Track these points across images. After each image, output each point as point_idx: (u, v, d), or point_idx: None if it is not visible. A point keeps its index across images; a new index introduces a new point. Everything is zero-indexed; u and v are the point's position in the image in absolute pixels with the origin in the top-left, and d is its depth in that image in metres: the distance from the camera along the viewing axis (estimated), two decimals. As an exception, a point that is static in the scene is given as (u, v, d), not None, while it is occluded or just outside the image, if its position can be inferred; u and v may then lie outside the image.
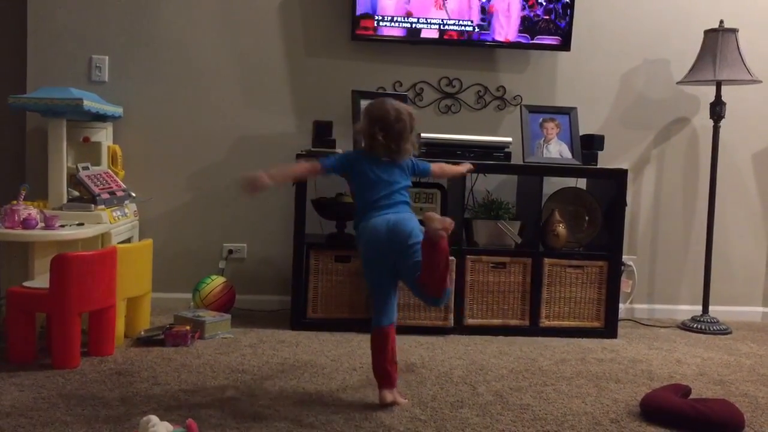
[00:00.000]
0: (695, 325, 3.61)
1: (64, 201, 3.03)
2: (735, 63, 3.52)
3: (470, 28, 3.53)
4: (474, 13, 3.54)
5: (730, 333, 3.58)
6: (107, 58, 3.52)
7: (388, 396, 2.30)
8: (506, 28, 3.55)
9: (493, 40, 3.58)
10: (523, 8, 3.56)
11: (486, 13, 3.53)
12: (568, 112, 3.54)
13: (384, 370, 2.32)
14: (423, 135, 3.36)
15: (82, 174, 3.08)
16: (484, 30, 3.56)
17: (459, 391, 2.48)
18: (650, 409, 2.29)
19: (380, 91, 3.61)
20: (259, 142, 3.62)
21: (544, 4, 3.56)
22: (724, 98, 3.61)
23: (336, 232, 3.42)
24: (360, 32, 3.50)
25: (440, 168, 2.70)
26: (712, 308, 3.71)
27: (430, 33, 3.54)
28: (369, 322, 3.21)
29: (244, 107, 3.63)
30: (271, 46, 3.62)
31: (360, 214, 2.40)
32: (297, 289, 3.24)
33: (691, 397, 2.42)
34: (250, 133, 3.62)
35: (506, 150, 3.40)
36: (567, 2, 3.57)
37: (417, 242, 2.23)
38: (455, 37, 3.55)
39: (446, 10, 3.39)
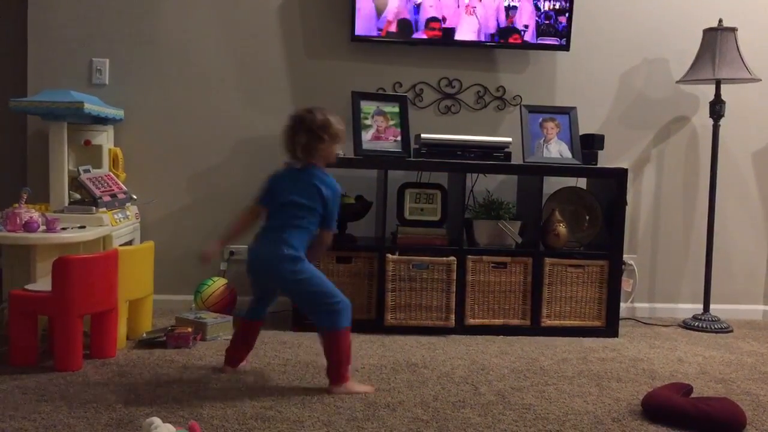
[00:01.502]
0: (696, 324, 3.61)
1: (66, 204, 3.04)
2: (734, 61, 3.52)
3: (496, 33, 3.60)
4: (501, 17, 3.58)
5: (732, 331, 3.58)
6: (108, 60, 3.53)
7: (230, 370, 2.59)
8: (527, 31, 3.60)
9: (521, 42, 3.62)
10: (535, 14, 3.59)
11: (509, 18, 3.58)
12: (568, 111, 3.55)
13: (239, 355, 2.61)
14: (423, 136, 3.38)
15: (84, 177, 3.08)
16: (511, 33, 3.60)
17: (461, 391, 2.48)
18: (652, 408, 2.30)
19: (380, 92, 3.62)
20: (260, 143, 3.62)
21: (547, 10, 3.58)
22: (723, 97, 3.62)
23: (337, 233, 3.42)
24: (429, 34, 3.55)
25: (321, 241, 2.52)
26: (713, 307, 3.71)
27: (463, 35, 3.58)
28: (370, 323, 3.25)
29: (244, 109, 3.64)
30: (271, 48, 3.62)
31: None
32: (298, 291, 3.24)
33: (693, 395, 2.43)
34: (251, 134, 3.63)
35: (506, 150, 3.41)
36: (566, 4, 3.58)
37: (295, 282, 2.41)
38: (516, 42, 3.62)
39: (476, 16, 3.48)
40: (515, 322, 3.34)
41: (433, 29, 3.55)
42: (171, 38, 3.57)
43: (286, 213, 2.43)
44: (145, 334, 2.93)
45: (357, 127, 3.37)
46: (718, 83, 3.61)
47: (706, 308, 3.69)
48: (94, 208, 3.00)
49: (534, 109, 3.54)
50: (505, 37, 3.59)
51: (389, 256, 3.24)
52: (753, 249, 3.95)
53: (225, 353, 2.62)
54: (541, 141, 3.49)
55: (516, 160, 3.47)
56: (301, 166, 2.47)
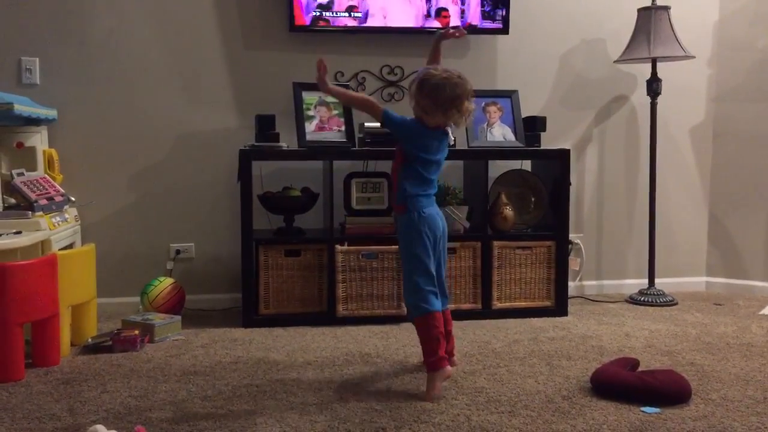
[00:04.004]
0: (642, 298, 3.69)
1: (0, 209, 2.93)
2: (668, 40, 3.59)
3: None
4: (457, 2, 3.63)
5: (676, 304, 3.67)
6: (37, 59, 3.41)
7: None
8: (472, 15, 3.64)
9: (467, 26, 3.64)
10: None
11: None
12: (510, 95, 3.57)
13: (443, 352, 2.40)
14: (367, 125, 3.36)
15: (18, 180, 2.97)
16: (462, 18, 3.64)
17: (414, 378, 2.48)
18: (600, 383, 2.34)
19: (322, 81, 3.58)
20: (201, 139, 3.56)
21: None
22: (659, 75, 3.69)
23: (284, 226, 3.39)
24: (442, 22, 3.57)
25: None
26: (658, 281, 3.79)
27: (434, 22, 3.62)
28: (322, 315, 3.23)
29: (183, 104, 3.56)
30: (208, 40, 3.55)
31: (416, 194, 2.40)
32: (247, 286, 3.20)
33: (640, 369, 2.48)
34: (191, 130, 3.56)
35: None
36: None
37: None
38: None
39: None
40: (467, 306, 3.36)
41: (446, 17, 3.58)
42: (103, 34, 3.46)
43: (437, 178, 2.48)
44: (90, 340, 2.86)
45: (300, 119, 3.33)
46: (653, 61, 3.68)
47: (651, 283, 3.77)
48: (30, 212, 2.89)
49: (476, 94, 3.53)
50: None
51: (338, 247, 3.22)
52: (694, 222, 4.05)
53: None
54: (485, 125, 3.50)
55: (460, 145, 3.48)
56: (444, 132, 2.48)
